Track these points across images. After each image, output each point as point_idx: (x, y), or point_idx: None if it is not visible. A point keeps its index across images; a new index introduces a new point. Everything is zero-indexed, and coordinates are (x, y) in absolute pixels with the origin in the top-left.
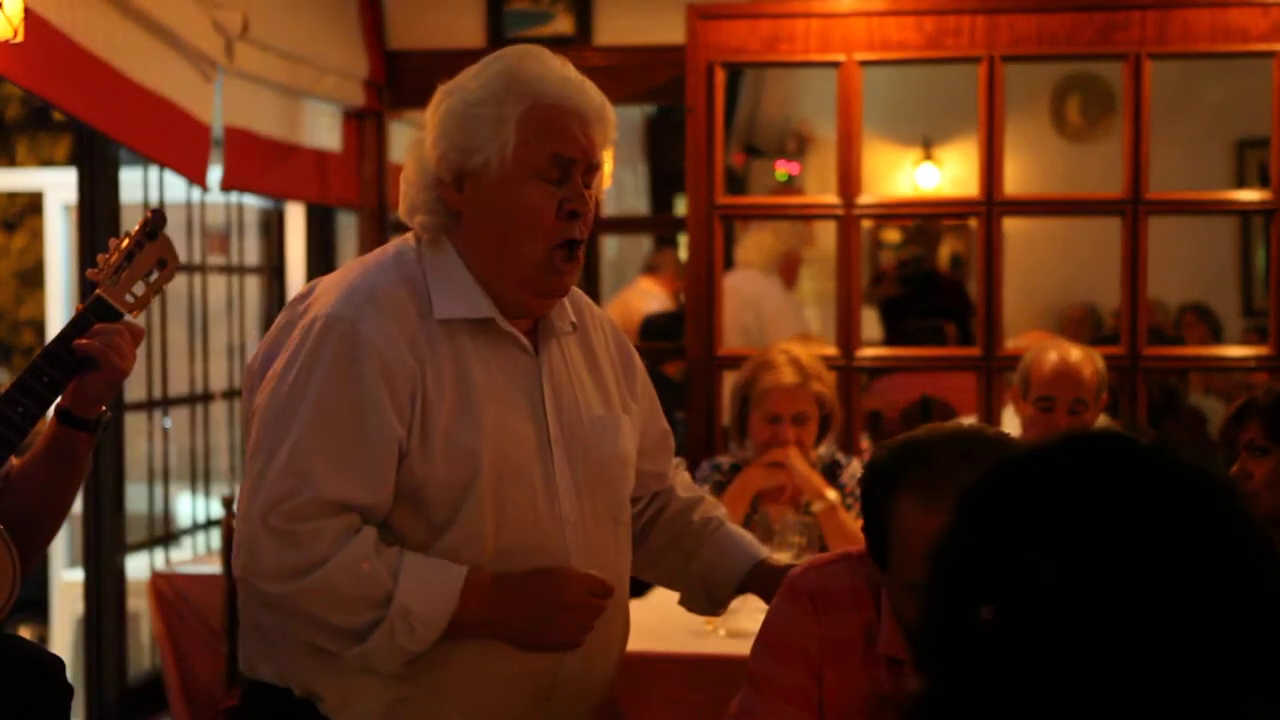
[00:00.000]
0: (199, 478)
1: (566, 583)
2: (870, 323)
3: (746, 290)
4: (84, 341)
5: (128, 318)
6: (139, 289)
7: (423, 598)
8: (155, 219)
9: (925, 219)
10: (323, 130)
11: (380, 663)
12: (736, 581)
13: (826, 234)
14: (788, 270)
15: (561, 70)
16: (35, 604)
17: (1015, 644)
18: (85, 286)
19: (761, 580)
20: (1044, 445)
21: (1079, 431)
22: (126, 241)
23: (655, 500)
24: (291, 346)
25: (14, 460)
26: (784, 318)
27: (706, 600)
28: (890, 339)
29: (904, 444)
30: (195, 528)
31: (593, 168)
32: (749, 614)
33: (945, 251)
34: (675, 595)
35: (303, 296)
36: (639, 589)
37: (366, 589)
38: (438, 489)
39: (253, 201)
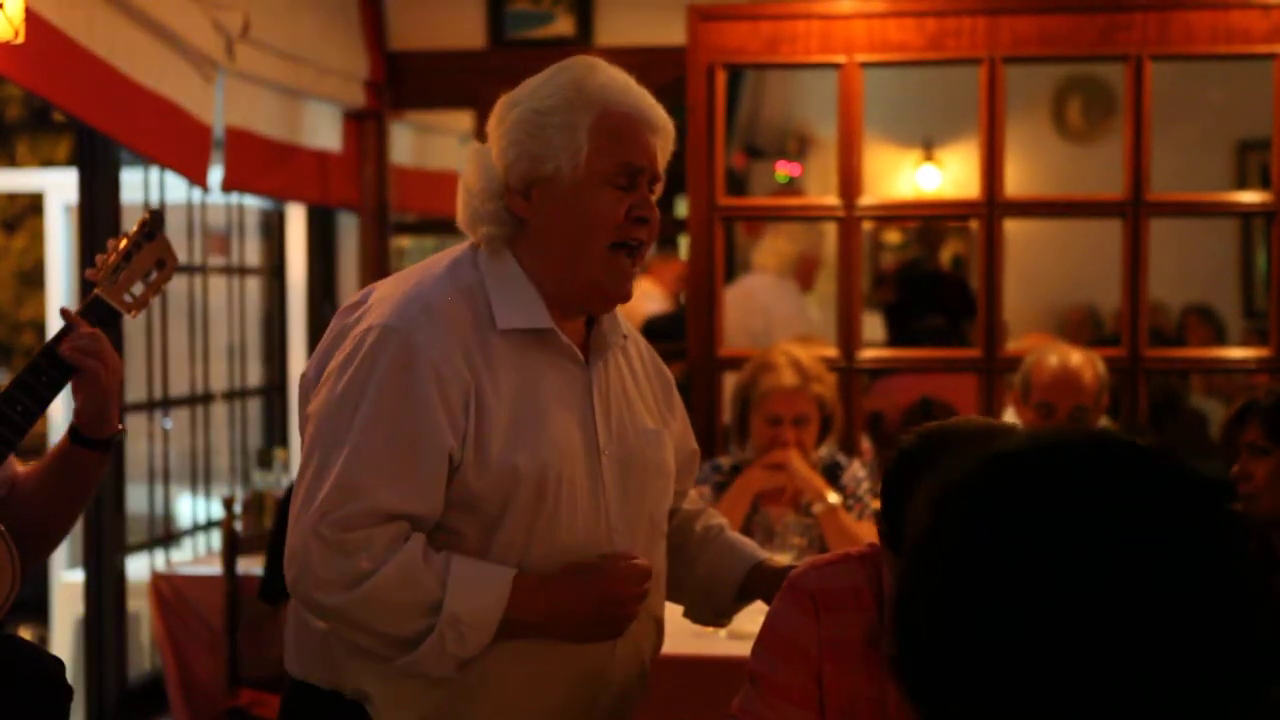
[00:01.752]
0: (199, 479)
1: (613, 579)
2: (873, 324)
3: (759, 295)
4: (67, 348)
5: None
6: (137, 289)
7: (472, 604)
8: (153, 220)
9: (926, 220)
10: (323, 131)
11: (432, 669)
12: (737, 583)
13: (827, 235)
14: (804, 273)
15: (626, 80)
16: (35, 605)
17: (1001, 647)
18: (85, 287)
19: (761, 581)
20: (1029, 444)
21: (1064, 431)
22: (124, 242)
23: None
24: (344, 354)
25: (19, 466)
26: (793, 323)
27: (709, 608)
28: (895, 340)
29: (936, 430)
30: (195, 529)
31: (656, 177)
32: (750, 615)
33: (947, 253)
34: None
35: (355, 304)
36: None
37: (416, 597)
38: (491, 496)
39: (253, 202)
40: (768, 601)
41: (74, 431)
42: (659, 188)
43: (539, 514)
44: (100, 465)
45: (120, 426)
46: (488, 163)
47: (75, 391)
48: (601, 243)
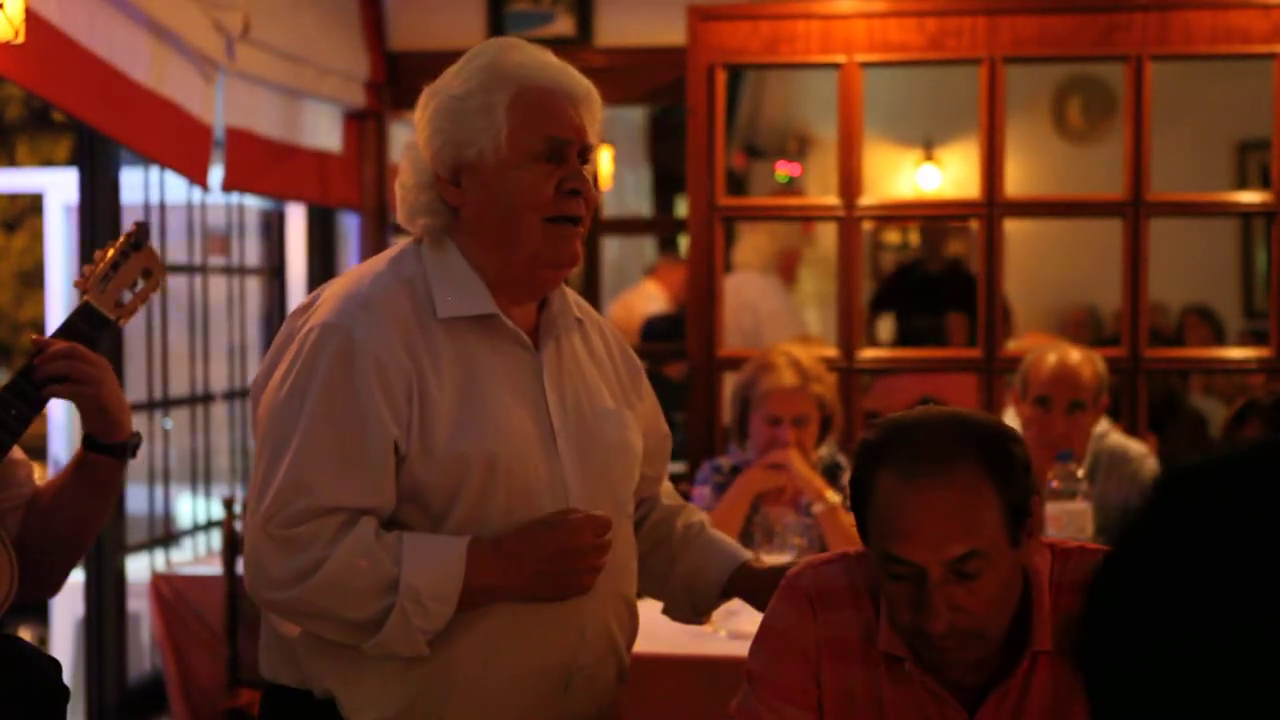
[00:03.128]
0: (199, 479)
1: (572, 529)
2: (876, 324)
3: (744, 293)
4: (47, 388)
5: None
6: (126, 297)
7: (429, 576)
8: (139, 231)
9: (926, 221)
10: (324, 131)
11: (401, 648)
12: (720, 585)
13: (827, 235)
14: (785, 269)
15: (544, 56)
16: (35, 605)
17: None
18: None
19: (746, 583)
20: (1217, 463)
21: (1255, 446)
22: (112, 252)
23: (642, 506)
24: (289, 357)
25: (37, 480)
26: (781, 319)
27: (690, 607)
28: (900, 338)
29: (892, 422)
30: (196, 529)
31: (586, 149)
32: (749, 615)
33: (948, 253)
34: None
35: (305, 308)
36: None
37: (371, 578)
38: (439, 487)
39: (253, 202)
40: (751, 602)
41: (87, 439)
42: (594, 158)
43: (491, 502)
44: (118, 470)
45: (134, 431)
46: (417, 156)
47: (75, 403)
48: (535, 220)
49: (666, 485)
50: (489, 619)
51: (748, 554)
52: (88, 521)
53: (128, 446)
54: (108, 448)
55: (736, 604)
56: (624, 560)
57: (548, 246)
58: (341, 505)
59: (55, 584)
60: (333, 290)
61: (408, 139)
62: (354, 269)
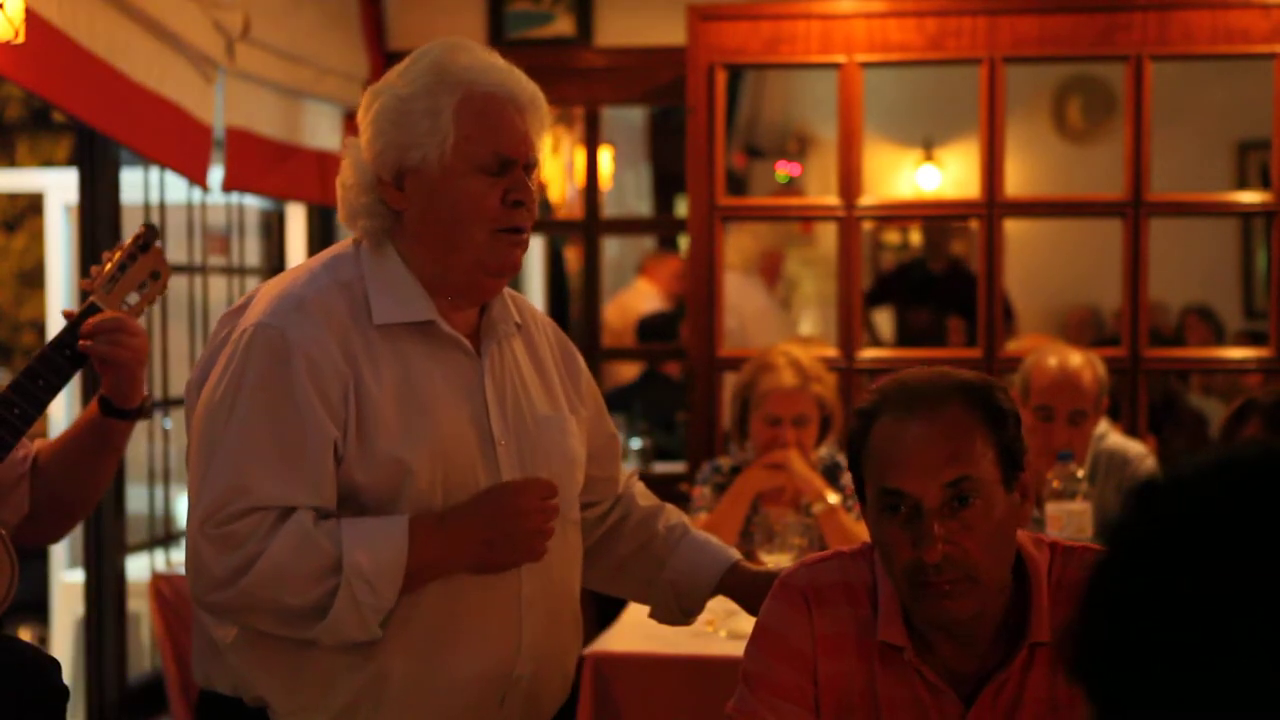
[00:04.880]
0: None
1: (514, 492)
2: (878, 323)
3: (728, 294)
4: (87, 344)
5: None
6: (132, 299)
7: (372, 553)
8: (148, 233)
9: (926, 221)
10: (323, 131)
11: (353, 630)
12: (711, 587)
13: (827, 235)
14: (768, 270)
15: (490, 58)
16: (35, 605)
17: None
18: (83, 294)
19: (736, 584)
20: (1204, 468)
21: (1243, 448)
22: (119, 254)
23: (616, 508)
24: (224, 358)
25: (35, 444)
26: (766, 319)
27: (678, 609)
28: (900, 338)
29: (884, 382)
30: None
31: (531, 164)
32: (749, 616)
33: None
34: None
35: (240, 308)
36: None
37: (313, 561)
38: (378, 491)
39: (253, 202)
40: (741, 605)
41: (104, 403)
42: (537, 172)
43: (430, 507)
44: (128, 431)
45: (147, 393)
46: (359, 156)
47: (101, 371)
48: (479, 231)
49: (640, 486)
50: (425, 626)
51: (736, 554)
52: (91, 483)
53: (143, 409)
54: (125, 412)
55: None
56: (567, 569)
57: (491, 255)
58: (277, 503)
59: (62, 534)
60: (267, 290)
61: (349, 139)
62: (289, 270)
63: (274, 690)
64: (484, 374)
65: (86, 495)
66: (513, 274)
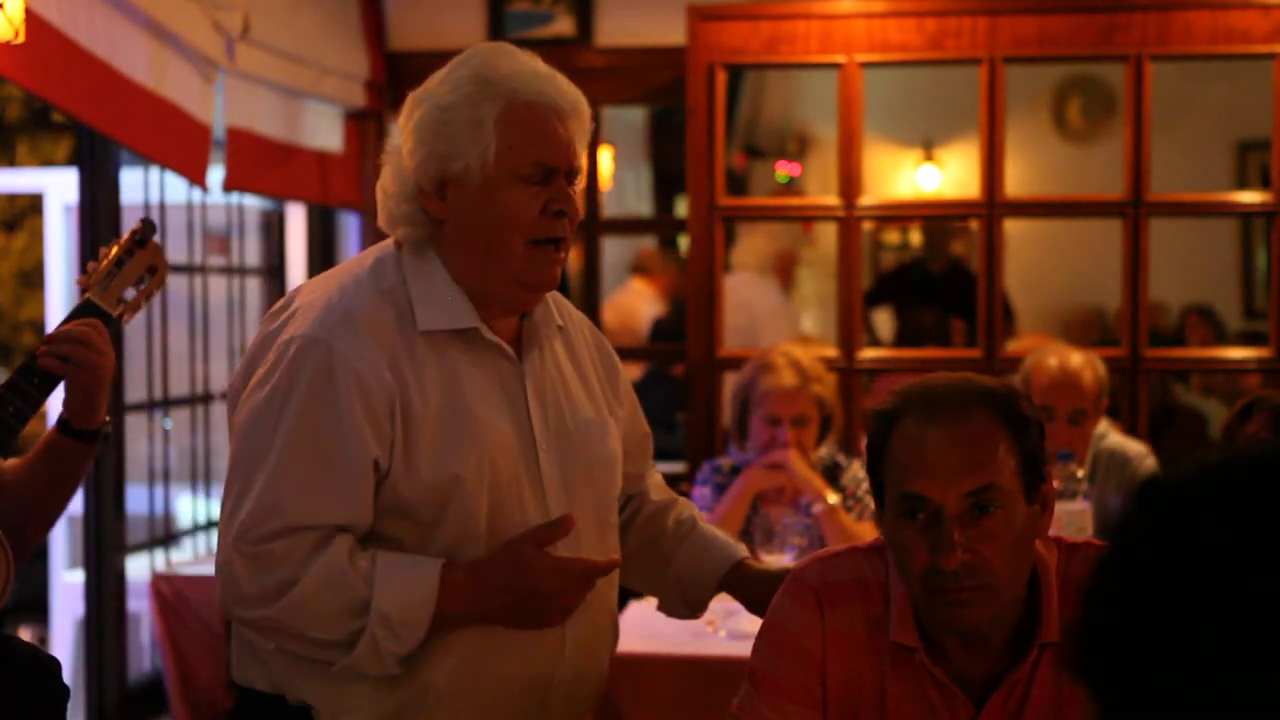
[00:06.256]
0: (199, 479)
1: (545, 576)
2: (878, 323)
3: (741, 293)
4: (41, 350)
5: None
6: (129, 295)
7: (400, 602)
8: (145, 228)
9: (926, 221)
10: (324, 131)
11: (371, 669)
12: (715, 583)
13: (827, 235)
14: (783, 271)
15: (532, 65)
16: (35, 605)
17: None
18: (80, 293)
19: (740, 582)
20: (1203, 469)
21: (1244, 450)
22: (116, 249)
23: (630, 503)
24: (267, 365)
25: (2, 461)
26: (777, 320)
27: (684, 603)
28: (901, 338)
29: (906, 385)
30: (196, 529)
31: (574, 171)
32: (750, 615)
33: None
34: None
35: (280, 310)
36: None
37: (343, 601)
38: (425, 502)
39: (253, 202)
40: (745, 604)
41: (62, 423)
42: (580, 179)
43: (477, 517)
44: (86, 457)
45: (106, 419)
46: (400, 164)
47: (66, 384)
48: (519, 240)
49: (656, 479)
50: (470, 633)
51: (743, 550)
52: (48, 506)
53: (99, 434)
54: (82, 433)
55: (737, 603)
56: (608, 575)
57: (528, 269)
58: (314, 524)
59: (25, 553)
60: (311, 297)
61: (391, 144)
62: (333, 272)
63: (318, 695)
64: (526, 379)
65: (35, 520)
66: (550, 289)
